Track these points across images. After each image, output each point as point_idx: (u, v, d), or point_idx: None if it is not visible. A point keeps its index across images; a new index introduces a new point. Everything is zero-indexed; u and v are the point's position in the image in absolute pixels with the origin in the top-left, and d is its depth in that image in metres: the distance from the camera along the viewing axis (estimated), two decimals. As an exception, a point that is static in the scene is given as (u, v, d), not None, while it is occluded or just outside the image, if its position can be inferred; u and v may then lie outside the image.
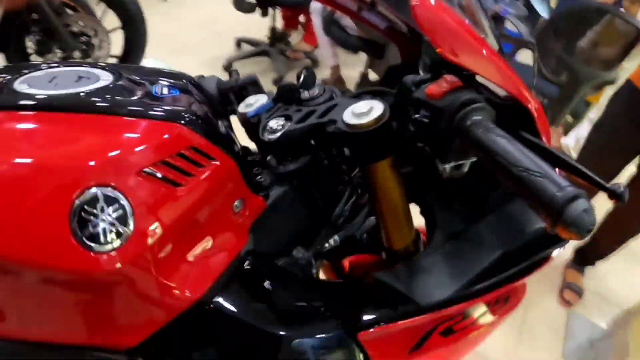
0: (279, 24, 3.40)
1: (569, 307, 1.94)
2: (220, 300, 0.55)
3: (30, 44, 2.29)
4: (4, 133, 0.50)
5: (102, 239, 0.46)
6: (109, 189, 0.46)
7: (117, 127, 0.51)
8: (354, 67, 2.91)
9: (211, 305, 0.54)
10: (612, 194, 0.48)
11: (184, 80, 0.65)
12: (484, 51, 0.55)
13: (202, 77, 0.74)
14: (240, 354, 0.57)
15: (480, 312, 0.68)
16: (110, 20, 2.42)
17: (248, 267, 0.60)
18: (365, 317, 0.59)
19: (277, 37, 3.25)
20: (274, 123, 0.63)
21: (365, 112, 0.56)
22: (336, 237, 0.68)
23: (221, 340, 0.57)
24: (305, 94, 0.66)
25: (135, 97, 0.57)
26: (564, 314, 1.92)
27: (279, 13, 3.35)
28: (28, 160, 0.47)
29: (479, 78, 0.57)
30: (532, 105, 0.56)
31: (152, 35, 2.54)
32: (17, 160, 0.47)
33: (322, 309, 0.61)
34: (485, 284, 0.61)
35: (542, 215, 0.43)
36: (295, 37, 3.53)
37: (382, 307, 0.61)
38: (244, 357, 0.58)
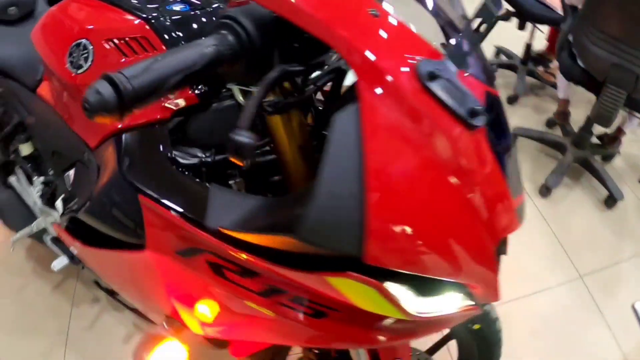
0: (542, 44, 2.87)
1: None
2: (124, 139, 0.78)
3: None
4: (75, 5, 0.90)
5: (74, 64, 0.84)
6: (89, 42, 0.82)
7: (117, 15, 0.83)
8: (585, 109, 2.25)
9: (122, 139, 0.77)
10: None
11: (213, 8, 0.87)
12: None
13: None
14: (112, 187, 0.78)
15: (258, 284, 0.64)
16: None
17: (153, 133, 0.77)
18: (152, 187, 0.70)
19: (533, 57, 2.81)
20: None
21: None
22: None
23: (117, 170, 0.76)
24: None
25: (148, 3, 0.85)
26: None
27: (543, 34, 2.58)
28: (69, 16, 0.88)
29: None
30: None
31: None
32: (68, 15, 0.89)
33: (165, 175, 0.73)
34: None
35: None
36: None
37: (176, 195, 0.68)
38: (111, 193, 0.78)
